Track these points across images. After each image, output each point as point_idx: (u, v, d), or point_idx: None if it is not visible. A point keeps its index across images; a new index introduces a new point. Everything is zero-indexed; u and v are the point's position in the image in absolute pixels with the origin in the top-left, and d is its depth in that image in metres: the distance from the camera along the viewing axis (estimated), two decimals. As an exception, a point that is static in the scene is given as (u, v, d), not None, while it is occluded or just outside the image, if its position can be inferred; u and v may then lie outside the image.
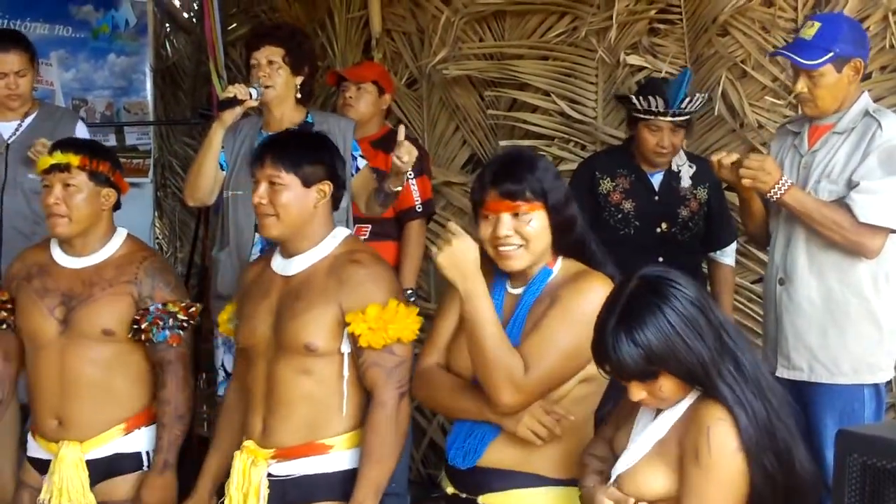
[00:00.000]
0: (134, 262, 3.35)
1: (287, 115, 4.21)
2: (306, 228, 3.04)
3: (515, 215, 2.70)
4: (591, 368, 2.53)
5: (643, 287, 2.35)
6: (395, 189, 3.95)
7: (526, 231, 2.70)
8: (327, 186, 3.05)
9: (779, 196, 3.61)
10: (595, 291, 2.62)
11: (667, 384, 2.33)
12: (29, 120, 4.76)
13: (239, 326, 3.16)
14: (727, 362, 2.32)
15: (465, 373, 2.77)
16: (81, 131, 4.83)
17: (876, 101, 4.53)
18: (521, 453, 2.70)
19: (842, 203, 3.59)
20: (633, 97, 4.45)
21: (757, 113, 4.85)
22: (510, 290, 2.80)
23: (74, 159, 3.30)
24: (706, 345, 2.30)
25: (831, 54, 3.60)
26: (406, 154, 3.77)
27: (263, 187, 3.05)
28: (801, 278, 3.71)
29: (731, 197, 4.70)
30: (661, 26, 5.14)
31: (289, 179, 3.02)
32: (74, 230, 3.31)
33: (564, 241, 2.76)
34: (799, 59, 3.67)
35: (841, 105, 3.69)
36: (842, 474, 2.54)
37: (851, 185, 3.58)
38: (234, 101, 4.03)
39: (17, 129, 4.72)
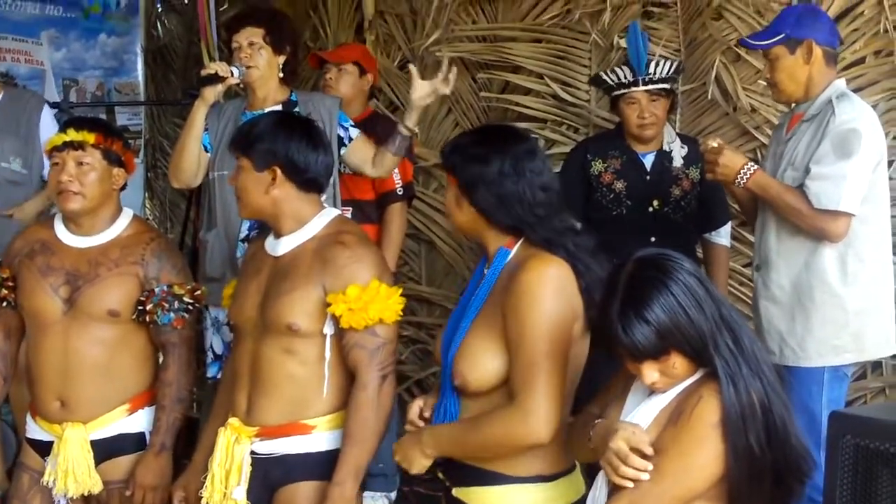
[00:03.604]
0: (140, 244, 3.33)
1: (271, 95, 4.21)
2: (272, 210, 3.04)
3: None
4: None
5: (642, 266, 2.36)
6: (411, 129, 4.08)
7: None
8: (275, 171, 3.01)
9: (743, 183, 3.70)
10: (536, 276, 2.58)
11: (679, 361, 2.33)
12: None
13: (231, 304, 3.19)
14: (725, 335, 2.32)
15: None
16: (47, 116, 4.79)
17: (869, 85, 4.58)
18: (484, 460, 2.68)
19: (802, 189, 3.66)
20: (603, 74, 4.51)
21: (750, 97, 4.87)
22: (485, 271, 2.77)
23: (90, 137, 3.28)
24: (706, 316, 2.31)
25: (781, 35, 3.74)
26: (420, 89, 4.02)
27: (235, 169, 3.11)
28: (772, 264, 3.79)
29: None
30: (655, 10, 5.15)
31: (244, 162, 3.06)
32: (87, 206, 3.28)
33: (497, 222, 2.70)
34: (750, 42, 3.91)
35: (808, 92, 3.77)
36: (835, 455, 2.57)
37: (808, 172, 3.65)
38: (214, 79, 4.04)
39: None
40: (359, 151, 4.22)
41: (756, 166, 3.73)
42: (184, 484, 3.20)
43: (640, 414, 2.40)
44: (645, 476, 2.30)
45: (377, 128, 4.86)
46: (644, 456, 2.31)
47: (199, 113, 4.07)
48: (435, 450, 2.70)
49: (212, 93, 4.05)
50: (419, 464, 2.73)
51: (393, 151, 4.12)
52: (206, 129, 4.13)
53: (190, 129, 4.09)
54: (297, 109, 4.13)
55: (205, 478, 3.06)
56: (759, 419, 2.28)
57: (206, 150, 4.16)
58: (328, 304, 2.93)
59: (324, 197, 3.18)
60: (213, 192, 4.17)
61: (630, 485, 2.32)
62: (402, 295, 3.00)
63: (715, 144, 3.72)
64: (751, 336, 2.39)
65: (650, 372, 2.35)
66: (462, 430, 2.67)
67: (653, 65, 4.39)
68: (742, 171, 3.69)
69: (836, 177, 3.59)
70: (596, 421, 2.49)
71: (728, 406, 2.28)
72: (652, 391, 2.42)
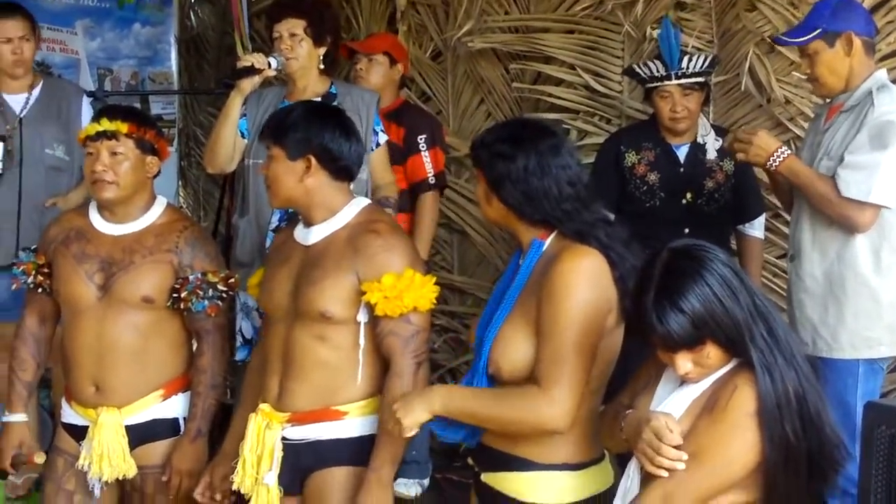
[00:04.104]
0: (174, 231, 3.35)
1: (311, 86, 4.22)
2: (305, 200, 3.06)
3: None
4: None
5: (677, 255, 2.36)
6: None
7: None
8: (310, 160, 3.03)
9: (774, 167, 3.71)
10: (571, 266, 2.59)
11: (713, 351, 2.33)
12: (36, 93, 4.78)
13: (261, 291, 3.21)
14: (760, 325, 2.33)
15: None
16: (86, 105, 4.85)
17: None
18: (512, 437, 2.69)
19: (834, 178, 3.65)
20: (636, 66, 4.50)
21: (784, 88, 4.85)
22: (520, 262, 2.79)
23: (123, 127, 3.30)
24: (741, 306, 2.31)
25: (818, 30, 3.71)
26: None
27: (266, 159, 3.12)
28: (805, 254, 3.78)
29: (760, 171, 4.71)
30: (688, 0, 5.11)
31: (276, 151, 3.07)
32: (121, 195, 3.31)
33: (526, 217, 2.72)
34: (785, 39, 3.89)
35: (848, 83, 3.74)
36: (870, 446, 2.55)
37: (842, 161, 3.64)
38: (251, 70, 4.05)
39: (26, 103, 4.73)
40: (378, 163, 4.25)
41: (789, 151, 3.73)
42: (211, 469, 3.23)
43: (673, 403, 2.41)
44: (680, 465, 2.31)
45: (407, 118, 4.89)
46: (676, 445, 2.31)
47: (235, 103, 4.10)
48: (442, 407, 2.67)
49: (248, 84, 4.07)
50: (416, 416, 2.67)
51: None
52: (243, 115, 4.16)
53: (225, 118, 4.11)
54: (336, 101, 4.14)
55: (236, 463, 3.09)
56: (794, 408, 2.29)
57: (243, 136, 4.18)
58: (362, 292, 2.95)
59: (351, 186, 3.19)
60: (248, 179, 4.19)
61: (664, 474, 2.32)
62: (434, 284, 3.02)
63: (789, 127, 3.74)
64: (784, 326, 2.39)
65: (684, 362, 2.36)
66: (479, 396, 2.67)
67: (686, 59, 4.37)
68: (775, 155, 3.70)
69: (868, 167, 3.58)
70: (627, 411, 2.49)
71: (764, 395, 2.28)
72: (683, 381, 2.43)
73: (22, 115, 4.71)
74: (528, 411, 2.59)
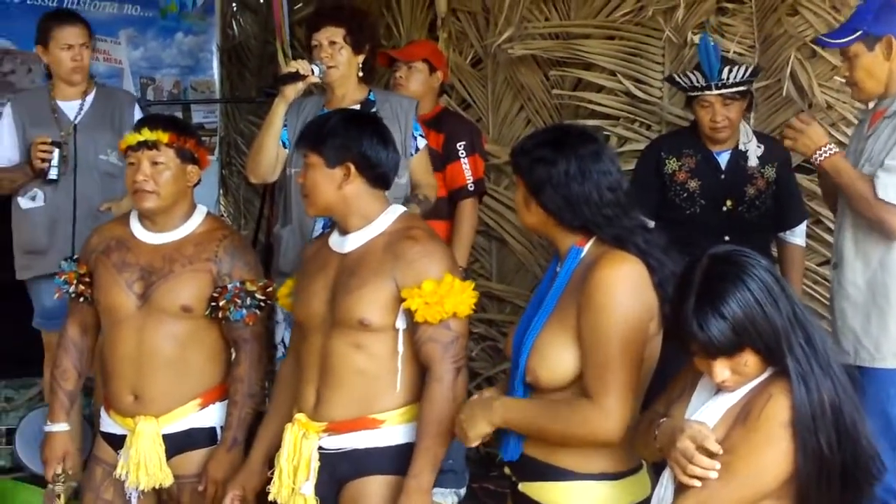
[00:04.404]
0: (214, 240, 3.37)
1: (349, 94, 4.22)
2: (342, 207, 3.06)
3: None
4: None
5: (718, 261, 2.35)
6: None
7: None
8: (349, 167, 3.03)
9: (819, 161, 3.70)
10: (612, 273, 2.59)
11: (751, 359, 2.32)
12: (89, 99, 4.81)
13: (295, 301, 3.20)
14: (799, 334, 2.31)
15: None
16: (138, 112, 4.88)
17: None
18: (551, 447, 2.68)
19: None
20: (677, 76, 4.47)
21: (826, 94, 4.81)
22: (557, 269, 2.78)
23: (163, 136, 3.31)
24: (781, 314, 2.29)
25: (859, 32, 3.68)
26: None
27: (303, 167, 3.11)
28: (847, 262, 3.75)
29: (800, 178, 4.67)
30: (730, 5, 5.10)
31: (314, 159, 3.06)
32: (162, 205, 3.33)
33: (566, 223, 2.71)
34: (826, 40, 3.86)
35: (889, 88, 3.71)
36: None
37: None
38: (295, 76, 4.06)
39: (80, 109, 4.77)
40: (418, 166, 4.24)
41: (837, 149, 3.71)
42: (241, 482, 3.23)
43: (707, 412, 2.39)
44: (713, 475, 2.29)
45: (446, 125, 4.89)
46: (711, 454, 2.30)
47: (279, 110, 4.09)
48: (503, 420, 2.70)
49: (292, 90, 4.07)
50: (480, 428, 2.72)
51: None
52: (284, 125, 4.16)
53: (269, 126, 4.11)
54: (374, 109, 4.14)
55: (272, 473, 3.09)
56: (829, 419, 2.26)
57: (284, 146, 4.19)
58: (401, 299, 2.95)
59: (389, 192, 3.19)
60: (290, 189, 4.19)
61: (698, 484, 2.31)
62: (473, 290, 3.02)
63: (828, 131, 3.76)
64: (822, 335, 2.37)
65: (721, 370, 2.34)
66: (536, 408, 2.67)
67: (726, 71, 4.31)
68: (823, 149, 3.68)
69: None
70: (661, 420, 2.48)
71: (799, 405, 2.26)
72: (718, 389, 2.41)
73: (76, 122, 4.74)
74: (581, 424, 2.59)
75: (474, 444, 2.76)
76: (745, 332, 2.28)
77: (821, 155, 3.69)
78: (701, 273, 2.33)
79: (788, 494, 2.30)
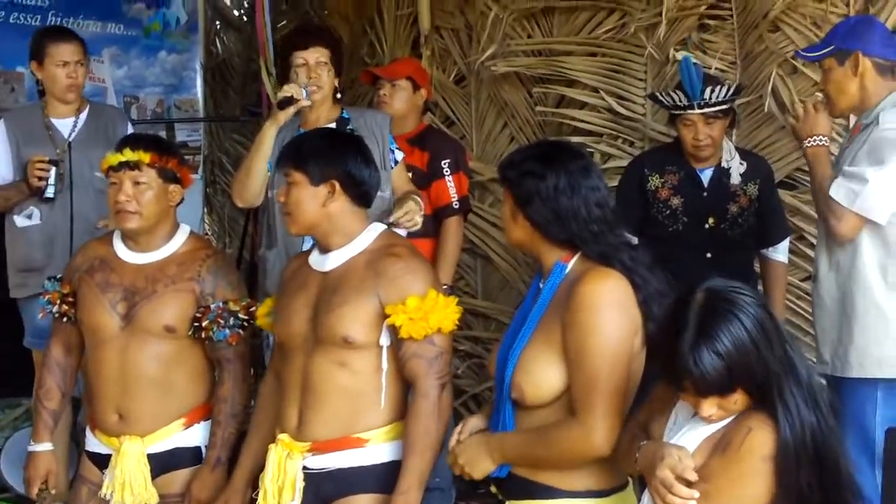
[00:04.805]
0: (197, 260, 3.36)
1: (324, 114, 4.19)
2: (326, 225, 3.05)
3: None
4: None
5: (714, 298, 2.30)
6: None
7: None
8: (334, 185, 3.04)
9: (806, 148, 3.84)
10: (596, 290, 2.60)
11: (741, 398, 2.30)
12: (83, 117, 4.80)
13: (276, 320, 3.20)
14: (789, 375, 2.29)
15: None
16: (131, 130, 4.87)
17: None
18: (543, 469, 2.70)
19: None
20: (659, 94, 4.49)
21: (808, 110, 4.81)
22: (540, 285, 2.79)
23: (145, 157, 3.31)
24: (775, 355, 2.27)
25: (831, 47, 3.77)
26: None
27: (284, 185, 3.10)
28: (823, 274, 3.81)
29: (782, 193, 4.70)
30: (711, 22, 5.12)
31: (298, 177, 3.05)
32: (144, 225, 3.32)
33: (552, 237, 2.72)
34: (803, 54, 3.99)
35: (865, 103, 3.76)
36: (891, 471, 2.53)
37: None
38: (291, 101, 4.05)
39: (74, 127, 4.76)
40: (399, 178, 4.24)
41: (827, 142, 3.83)
42: (223, 501, 3.22)
43: (688, 437, 2.38)
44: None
45: (431, 142, 4.90)
46: (690, 483, 2.30)
47: (269, 134, 4.04)
48: (501, 456, 2.72)
49: (284, 115, 4.04)
50: (483, 468, 2.75)
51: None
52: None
53: (258, 149, 4.07)
54: (349, 127, 4.15)
55: (256, 494, 3.09)
56: (811, 457, 2.26)
57: (268, 169, 4.17)
58: (385, 316, 2.95)
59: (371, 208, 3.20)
60: (273, 211, 4.15)
61: None
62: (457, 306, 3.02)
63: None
64: (809, 368, 2.36)
65: (710, 407, 2.32)
66: (526, 440, 2.69)
67: (708, 91, 4.32)
68: (816, 137, 3.81)
69: (859, 178, 3.61)
70: (643, 442, 2.47)
71: (783, 444, 2.25)
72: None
73: (70, 140, 4.74)
74: (569, 444, 2.61)
75: (482, 476, 2.78)
76: (739, 373, 2.25)
77: (812, 141, 3.81)
78: (697, 309, 2.29)
79: None
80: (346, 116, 4.23)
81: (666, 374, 2.34)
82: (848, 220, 3.63)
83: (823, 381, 3.57)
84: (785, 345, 2.31)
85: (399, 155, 4.26)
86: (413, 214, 3.94)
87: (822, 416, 2.30)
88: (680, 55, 4.91)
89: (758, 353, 2.25)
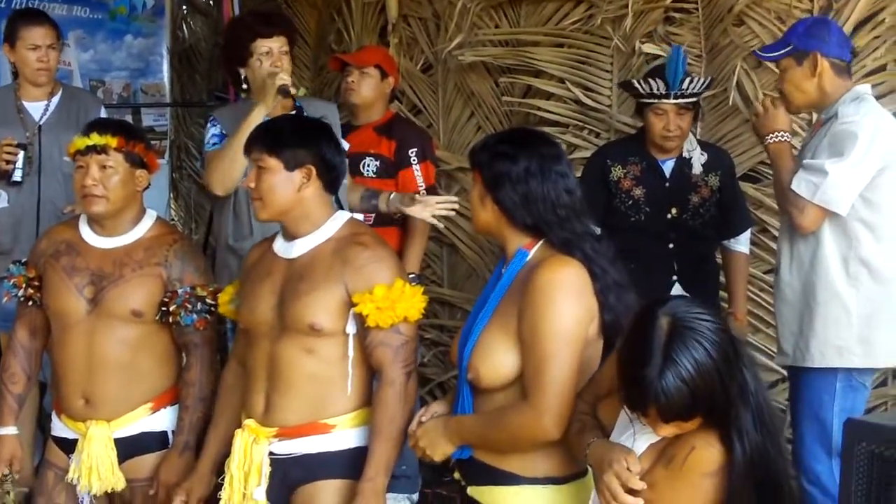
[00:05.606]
0: (164, 245, 3.37)
1: (281, 102, 4.13)
2: (297, 211, 3.06)
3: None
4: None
5: (678, 325, 2.27)
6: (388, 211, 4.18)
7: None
8: (311, 170, 3.05)
9: (768, 143, 3.88)
10: (553, 276, 2.64)
11: (698, 421, 2.30)
12: (55, 101, 4.78)
13: (240, 307, 3.20)
14: (740, 395, 2.30)
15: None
16: (104, 114, 4.86)
17: (890, 92, 4.60)
18: (499, 451, 2.74)
19: None
20: (636, 82, 4.51)
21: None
22: (502, 271, 2.81)
23: (112, 141, 3.30)
24: (735, 379, 2.28)
25: (789, 47, 3.82)
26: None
27: (254, 171, 3.09)
28: (784, 265, 3.87)
29: (746, 186, 4.74)
30: (677, 15, 5.16)
31: (271, 163, 3.04)
32: (110, 209, 3.32)
33: (518, 221, 2.75)
34: (761, 54, 4.03)
35: (823, 101, 3.83)
36: (849, 463, 2.57)
37: None
38: (288, 89, 4.03)
39: (45, 110, 4.75)
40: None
41: (789, 138, 3.88)
42: (187, 489, 3.22)
43: (637, 441, 2.40)
44: None
45: (398, 131, 4.91)
46: (635, 491, 2.33)
47: (258, 121, 3.87)
48: (459, 438, 2.77)
49: (273, 101, 4.01)
50: (443, 450, 2.81)
51: (363, 209, 4.24)
52: (224, 135, 4.13)
53: (244, 137, 3.95)
54: (305, 115, 4.12)
55: (222, 479, 3.10)
56: (757, 479, 2.28)
57: None
58: (352, 304, 2.96)
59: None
60: (244, 199, 4.07)
61: None
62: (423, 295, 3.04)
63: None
64: (760, 386, 2.36)
65: (671, 430, 2.32)
66: (482, 422, 2.73)
67: (686, 81, 4.38)
68: (777, 134, 3.86)
69: (819, 170, 3.67)
70: (592, 440, 2.49)
71: (730, 465, 2.28)
72: None
73: (41, 123, 4.72)
74: (520, 426, 2.64)
75: (442, 458, 2.83)
76: (703, 401, 2.25)
77: (773, 137, 3.85)
78: (663, 338, 2.26)
79: None
80: (299, 104, 4.21)
81: (630, 400, 2.31)
82: (809, 212, 3.69)
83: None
84: (742, 366, 2.31)
85: (345, 145, 4.25)
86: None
87: (769, 435, 2.32)
88: (646, 47, 4.96)
89: (721, 380, 2.25)
